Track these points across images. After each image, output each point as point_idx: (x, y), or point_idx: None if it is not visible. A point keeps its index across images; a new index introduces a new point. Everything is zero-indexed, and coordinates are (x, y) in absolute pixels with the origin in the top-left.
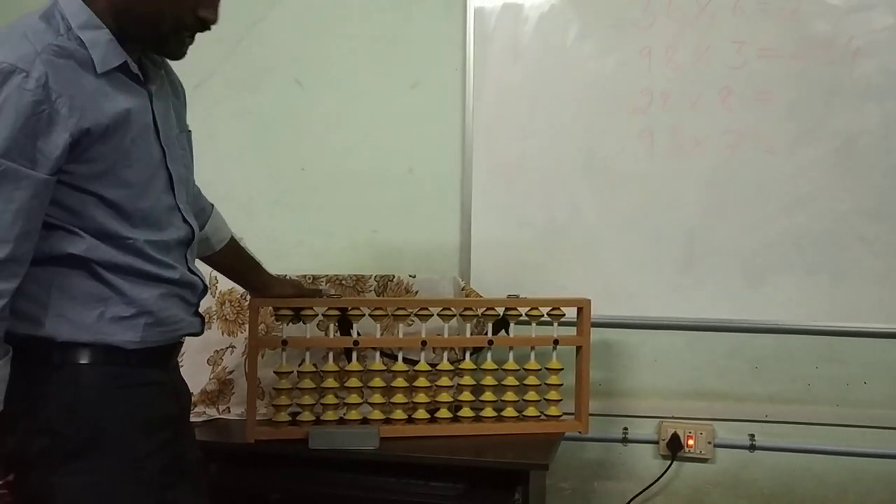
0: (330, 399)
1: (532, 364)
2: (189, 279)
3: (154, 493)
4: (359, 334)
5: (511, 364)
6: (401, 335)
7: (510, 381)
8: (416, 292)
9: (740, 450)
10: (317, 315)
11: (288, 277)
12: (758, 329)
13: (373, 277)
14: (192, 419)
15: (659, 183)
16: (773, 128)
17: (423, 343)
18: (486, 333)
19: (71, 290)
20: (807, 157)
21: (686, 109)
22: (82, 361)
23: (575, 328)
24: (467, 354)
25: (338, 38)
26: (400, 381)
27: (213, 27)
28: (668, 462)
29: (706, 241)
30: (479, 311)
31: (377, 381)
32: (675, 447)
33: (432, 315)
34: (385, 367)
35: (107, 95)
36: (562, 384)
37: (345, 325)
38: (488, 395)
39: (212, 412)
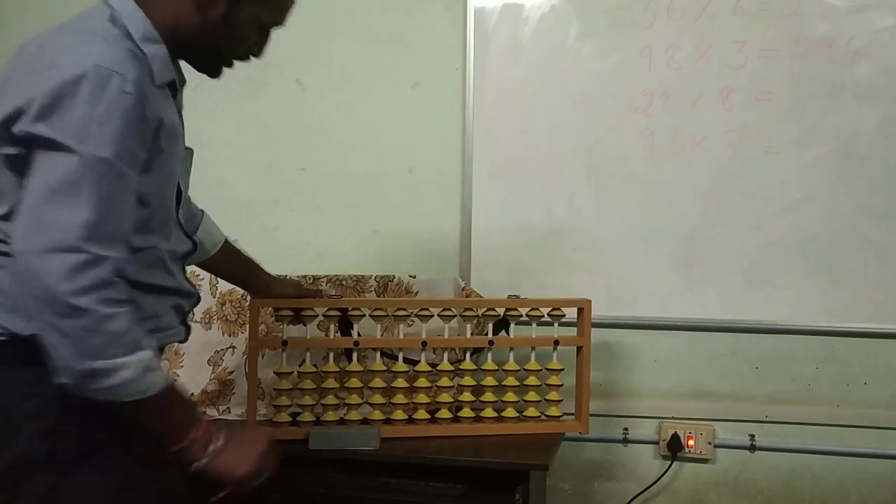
0: (330, 399)
1: (532, 364)
2: (188, 289)
3: (159, 480)
4: (359, 335)
5: (511, 364)
6: (401, 335)
7: (510, 381)
8: (417, 293)
9: (740, 450)
10: (317, 315)
11: (288, 278)
12: (758, 329)
13: (373, 278)
14: None
15: (659, 183)
16: (773, 128)
17: (424, 343)
18: (487, 334)
19: None
20: (807, 157)
21: (686, 109)
22: None
23: (575, 328)
24: (468, 355)
25: (338, 38)
26: (400, 382)
27: None
28: (669, 462)
29: (707, 242)
30: (480, 312)
31: (377, 382)
32: (675, 447)
33: (433, 315)
34: (385, 368)
35: (163, 107)
36: (562, 384)
37: (345, 325)
38: (489, 396)
39: (212, 412)
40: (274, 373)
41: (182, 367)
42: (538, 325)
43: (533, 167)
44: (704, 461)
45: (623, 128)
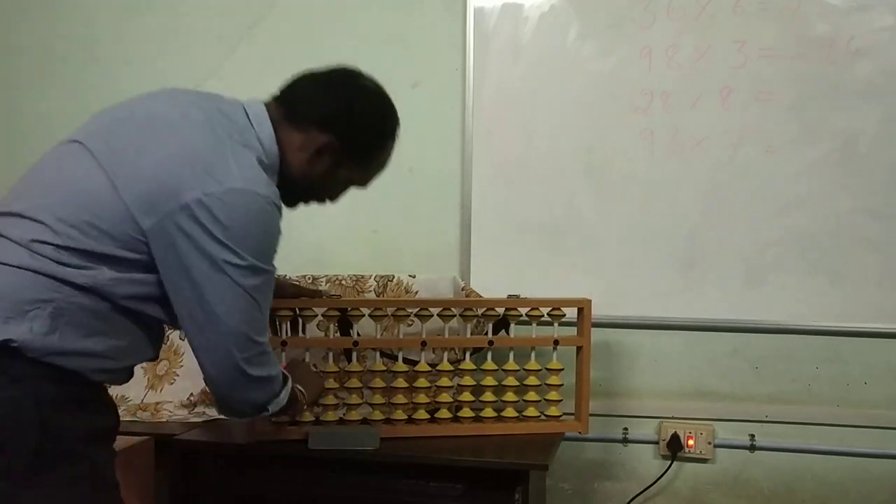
0: (330, 399)
1: (532, 364)
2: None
3: (113, 497)
4: (359, 334)
5: (511, 364)
6: (401, 335)
7: (510, 381)
8: (416, 292)
9: (740, 450)
10: (317, 315)
11: (287, 278)
12: (758, 329)
13: (372, 277)
14: (193, 419)
15: (659, 183)
16: (773, 127)
17: (423, 343)
18: (487, 334)
19: (102, 328)
20: (807, 156)
21: (686, 109)
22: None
23: (575, 328)
24: (467, 355)
25: (338, 38)
26: (400, 382)
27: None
28: (669, 462)
29: (706, 241)
30: (480, 312)
31: (377, 382)
32: (675, 447)
33: (432, 315)
34: (385, 368)
35: None
36: (562, 384)
37: (345, 325)
38: (488, 396)
39: (212, 412)
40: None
41: (181, 366)
42: (538, 324)
43: (533, 167)
44: (704, 461)
45: (623, 128)
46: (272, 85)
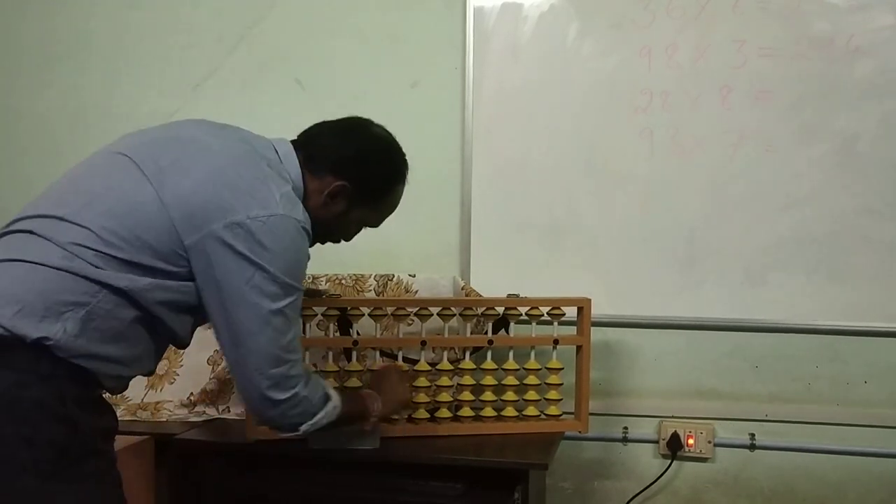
0: None
1: (532, 363)
2: None
3: (121, 492)
4: (358, 334)
5: (511, 364)
6: (400, 335)
7: (510, 380)
8: (416, 292)
9: (740, 449)
10: (316, 315)
11: None
12: (758, 328)
13: (372, 277)
14: (193, 419)
15: (659, 182)
16: (773, 127)
17: (423, 343)
18: (486, 333)
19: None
20: (807, 156)
21: (686, 109)
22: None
23: (575, 328)
24: (467, 354)
25: (338, 37)
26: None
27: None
28: (668, 461)
29: (706, 241)
30: (479, 311)
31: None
32: (675, 446)
33: (432, 315)
34: None
35: None
36: (562, 384)
37: (344, 324)
38: (488, 395)
39: (211, 412)
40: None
41: (182, 366)
42: (538, 324)
43: (533, 166)
44: (704, 460)
45: (623, 127)
46: (272, 85)
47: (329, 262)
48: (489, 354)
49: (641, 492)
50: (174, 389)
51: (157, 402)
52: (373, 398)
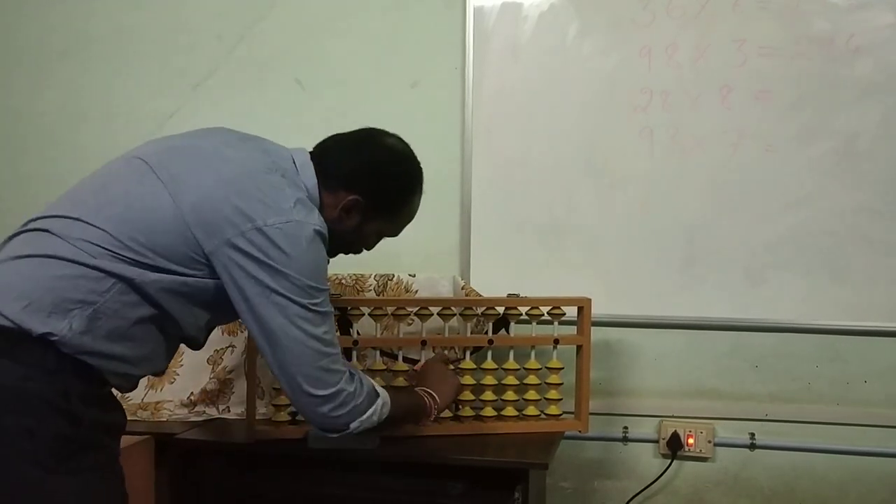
0: None
1: (532, 363)
2: None
3: (123, 486)
4: (358, 334)
5: (511, 363)
6: (401, 334)
7: (510, 380)
8: (416, 291)
9: (740, 449)
10: None
11: None
12: (758, 328)
13: (372, 276)
14: (193, 419)
15: (659, 181)
16: (773, 126)
17: (424, 342)
18: (487, 333)
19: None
20: (807, 155)
21: (686, 108)
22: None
23: (575, 327)
24: (467, 354)
25: (338, 37)
26: (400, 381)
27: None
28: (669, 461)
29: (706, 240)
30: (480, 311)
31: (377, 381)
32: (675, 446)
33: (432, 314)
34: (385, 367)
35: None
36: (562, 383)
37: (344, 324)
38: (488, 395)
39: (212, 412)
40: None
41: (182, 365)
42: (538, 323)
43: (533, 166)
44: (704, 460)
45: (623, 126)
46: (272, 85)
47: (329, 261)
48: (489, 354)
49: (641, 491)
50: (174, 389)
51: (158, 402)
52: (427, 395)
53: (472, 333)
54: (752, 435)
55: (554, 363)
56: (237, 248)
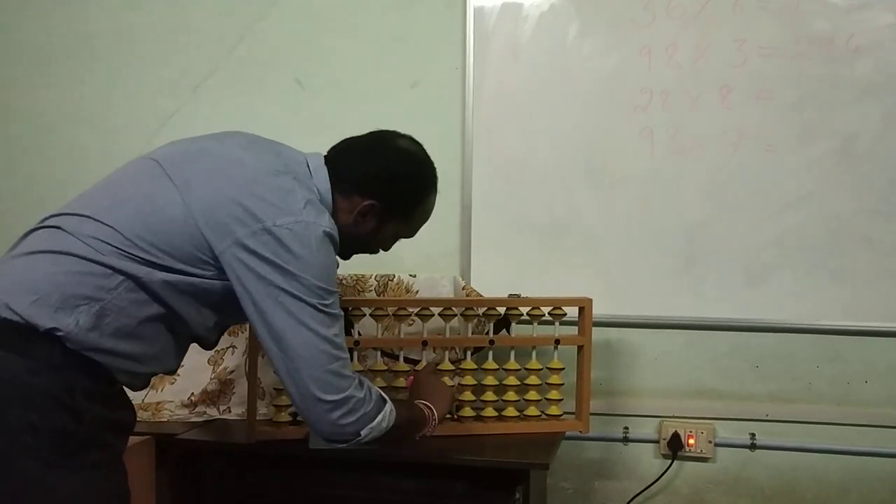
0: None
1: (533, 363)
2: None
3: (126, 484)
4: (359, 334)
5: (512, 364)
6: (402, 335)
7: (511, 380)
8: (417, 292)
9: (741, 449)
10: None
11: None
12: (758, 328)
13: (373, 277)
14: (193, 419)
15: (659, 182)
16: (773, 126)
17: (425, 343)
18: (488, 333)
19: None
20: (807, 155)
21: (686, 108)
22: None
23: (576, 327)
24: (468, 354)
25: (338, 37)
26: (401, 382)
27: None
28: (669, 461)
29: (707, 240)
30: (480, 311)
31: (378, 382)
32: (675, 446)
33: (433, 315)
34: (386, 368)
35: None
36: (563, 384)
37: (346, 324)
38: (489, 395)
39: (212, 412)
40: (274, 372)
41: (182, 366)
42: (539, 324)
43: (533, 166)
44: (705, 460)
45: (623, 127)
46: (272, 85)
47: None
48: (490, 354)
49: (642, 492)
50: (175, 390)
51: (158, 403)
52: (425, 407)
53: (473, 334)
54: (753, 435)
55: (555, 363)
56: (246, 247)
